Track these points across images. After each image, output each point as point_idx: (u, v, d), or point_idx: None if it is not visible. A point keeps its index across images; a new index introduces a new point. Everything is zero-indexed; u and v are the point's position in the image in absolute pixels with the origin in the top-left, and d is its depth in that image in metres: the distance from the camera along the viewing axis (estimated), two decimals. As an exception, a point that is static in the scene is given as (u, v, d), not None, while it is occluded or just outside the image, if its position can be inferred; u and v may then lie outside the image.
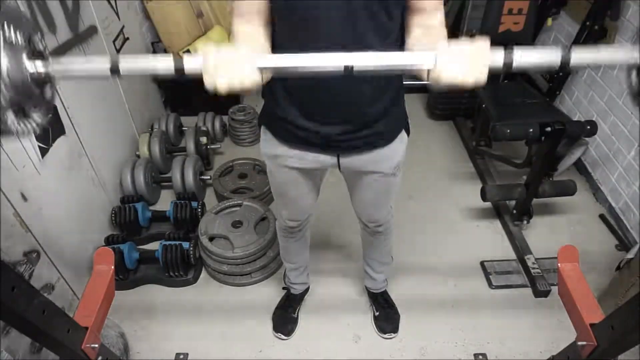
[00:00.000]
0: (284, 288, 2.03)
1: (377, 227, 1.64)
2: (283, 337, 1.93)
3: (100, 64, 0.80)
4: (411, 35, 1.12)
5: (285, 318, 1.96)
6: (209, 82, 0.81)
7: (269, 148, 1.39)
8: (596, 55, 0.81)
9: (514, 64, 0.81)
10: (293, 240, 1.76)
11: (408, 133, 1.41)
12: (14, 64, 0.69)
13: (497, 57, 0.82)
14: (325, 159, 1.33)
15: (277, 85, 1.19)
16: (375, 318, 1.96)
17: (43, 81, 0.78)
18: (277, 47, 1.12)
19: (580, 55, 0.80)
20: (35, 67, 0.74)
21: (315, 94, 1.15)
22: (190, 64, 0.80)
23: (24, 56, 0.72)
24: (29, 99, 0.74)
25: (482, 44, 0.82)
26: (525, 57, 0.81)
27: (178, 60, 0.79)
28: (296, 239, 1.76)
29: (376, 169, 1.37)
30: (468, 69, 0.81)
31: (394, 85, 1.23)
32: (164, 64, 0.79)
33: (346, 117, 1.20)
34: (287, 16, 1.06)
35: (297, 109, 1.20)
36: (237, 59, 0.81)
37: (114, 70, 0.79)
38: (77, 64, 0.82)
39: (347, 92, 1.14)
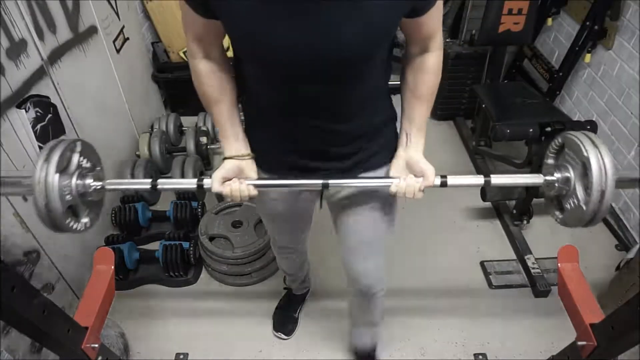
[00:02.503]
0: (285, 288, 2.03)
1: (368, 287, 1.42)
2: (283, 336, 1.92)
3: (143, 185, 1.15)
4: (405, 81, 1.11)
5: (285, 317, 1.96)
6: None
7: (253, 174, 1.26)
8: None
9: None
10: (289, 259, 1.70)
11: None
12: (81, 183, 1.00)
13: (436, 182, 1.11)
14: (308, 186, 1.17)
15: (249, 108, 1.18)
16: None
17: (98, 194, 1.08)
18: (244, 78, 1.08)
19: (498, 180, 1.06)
20: (96, 184, 1.07)
21: (285, 123, 1.09)
22: (209, 184, 1.06)
23: (90, 179, 1.05)
24: (87, 207, 1.05)
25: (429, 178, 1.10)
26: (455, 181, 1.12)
27: (200, 180, 1.07)
28: (293, 257, 1.69)
29: (366, 199, 1.24)
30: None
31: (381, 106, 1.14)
32: (189, 184, 1.08)
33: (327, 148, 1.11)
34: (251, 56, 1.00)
35: (269, 135, 1.14)
36: (238, 190, 1.05)
37: (154, 187, 1.10)
38: (125, 184, 1.22)
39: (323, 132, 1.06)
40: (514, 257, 2.28)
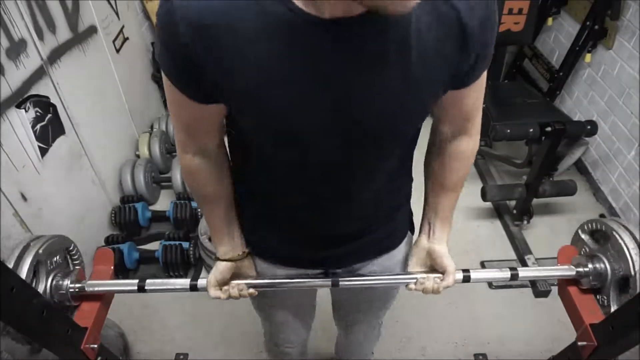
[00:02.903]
0: None
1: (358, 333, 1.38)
2: None
3: (129, 286, 1.06)
4: (430, 167, 0.96)
5: None
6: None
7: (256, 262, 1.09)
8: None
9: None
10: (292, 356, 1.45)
11: (412, 231, 1.10)
12: (57, 286, 0.97)
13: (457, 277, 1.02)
14: (316, 275, 1.07)
15: (249, 200, 0.97)
16: None
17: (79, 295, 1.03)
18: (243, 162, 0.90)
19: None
20: (75, 286, 1.01)
21: (293, 215, 0.93)
22: (204, 285, 1.00)
23: (68, 281, 1.00)
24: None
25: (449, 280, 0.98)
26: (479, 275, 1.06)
27: (193, 281, 1.02)
28: (294, 353, 1.44)
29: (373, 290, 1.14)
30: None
31: (400, 188, 0.98)
32: (182, 285, 1.03)
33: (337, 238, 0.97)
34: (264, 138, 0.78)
35: (272, 226, 0.98)
36: (238, 295, 0.99)
37: (142, 289, 1.04)
38: (108, 286, 1.08)
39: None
40: (514, 257, 2.27)
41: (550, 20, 2.87)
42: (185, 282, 1.01)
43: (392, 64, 0.67)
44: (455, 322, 1.97)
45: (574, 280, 1.03)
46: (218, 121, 0.80)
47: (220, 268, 0.97)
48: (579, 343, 1.02)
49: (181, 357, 1.84)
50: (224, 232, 0.96)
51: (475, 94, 0.81)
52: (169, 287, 1.05)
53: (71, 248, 1.04)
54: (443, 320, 1.97)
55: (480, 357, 1.83)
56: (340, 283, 0.98)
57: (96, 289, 1.01)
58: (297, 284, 1.00)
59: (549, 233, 2.39)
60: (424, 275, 0.99)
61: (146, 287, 1.01)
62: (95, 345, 1.03)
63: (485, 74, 0.78)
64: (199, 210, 2.33)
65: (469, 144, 0.91)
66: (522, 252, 2.23)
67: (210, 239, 2.12)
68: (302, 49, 0.64)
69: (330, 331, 1.60)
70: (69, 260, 1.02)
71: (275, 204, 0.92)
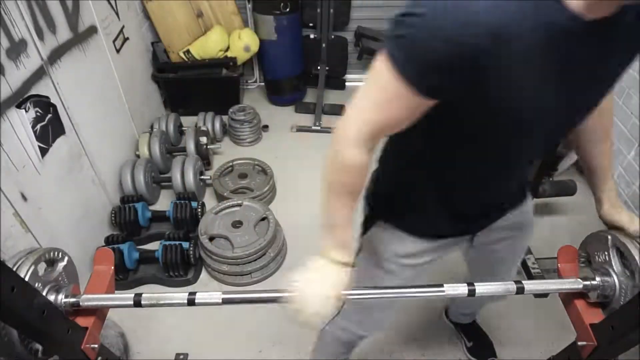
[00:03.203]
0: None
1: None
2: None
3: (125, 301, 1.03)
4: (585, 131, 1.03)
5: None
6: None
7: (396, 245, 1.11)
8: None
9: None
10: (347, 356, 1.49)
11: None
12: (53, 301, 0.94)
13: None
14: (460, 240, 1.17)
15: (424, 184, 1.01)
16: (469, 349, 1.84)
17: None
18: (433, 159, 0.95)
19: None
20: (70, 300, 0.99)
21: (474, 195, 1.00)
22: (202, 299, 0.99)
23: (62, 296, 0.98)
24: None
25: None
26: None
27: (191, 295, 1.00)
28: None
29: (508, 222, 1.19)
30: None
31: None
32: (180, 299, 1.01)
33: (496, 208, 1.10)
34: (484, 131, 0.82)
35: (444, 207, 1.03)
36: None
37: (138, 304, 1.01)
38: (103, 301, 1.05)
39: (509, 192, 1.06)
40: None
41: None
42: (183, 296, 1.00)
43: (624, 56, 0.79)
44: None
45: (581, 294, 1.03)
46: (420, 114, 0.79)
47: (345, 279, 0.93)
48: (579, 343, 1.02)
49: (181, 357, 1.84)
50: (349, 230, 0.94)
51: None
52: (166, 301, 1.03)
53: (66, 261, 1.02)
54: (443, 320, 1.97)
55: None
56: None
57: (91, 303, 1.00)
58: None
59: (549, 233, 2.39)
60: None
61: (142, 302, 1.00)
62: (96, 345, 1.03)
63: None
64: (199, 210, 2.33)
65: (609, 102, 0.99)
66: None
67: (210, 239, 2.13)
68: (571, 56, 0.70)
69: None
70: (64, 274, 1.01)
71: (460, 186, 0.97)
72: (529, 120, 0.77)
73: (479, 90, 0.70)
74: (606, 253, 0.97)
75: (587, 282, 0.98)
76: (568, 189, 2.27)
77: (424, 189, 1.01)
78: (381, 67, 0.75)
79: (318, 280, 0.92)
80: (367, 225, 1.15)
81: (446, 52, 0.65)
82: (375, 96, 0.78)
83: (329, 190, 0.93)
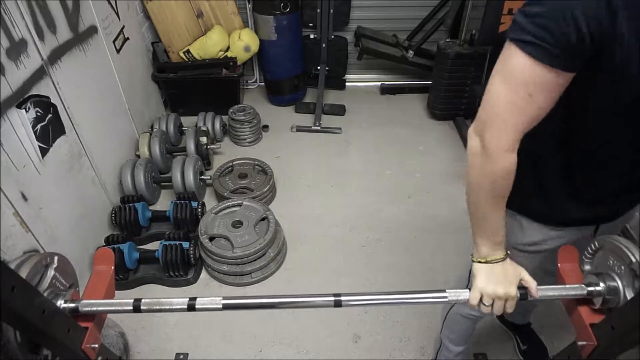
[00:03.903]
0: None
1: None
2: None
3: (124, 306, 1.02)
4: None
5: None
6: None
7: (518, 233, 1.15)
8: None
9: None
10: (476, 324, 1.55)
11: None
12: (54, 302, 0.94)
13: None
14: (584, 231, 1.15)
15: (554, 164, 1.01)
16: (523, 352, 1.83)
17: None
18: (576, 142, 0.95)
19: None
20: (68, 306, 0.99)
21: (605, 177, 1.00)
22: (202, 304, 1.01)
23: (61, 301, 0.98)
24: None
25: None
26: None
27: (192, 300, 1.02)
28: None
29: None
30: None
31: None
32: (180, 305, 1.01)
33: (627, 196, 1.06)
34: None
35: (572, 190, 1.02)
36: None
37: (137, 309, 1.00)
38: (102, 306, 1.03)
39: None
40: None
41: (550, 21, 2.87)
42: (183, 301, 1.00)
43: None
44: (455, 322, 1.97)
45: (585, 300, 1.02)
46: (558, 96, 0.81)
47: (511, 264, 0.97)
48: (579, 343, 1.02)
49: (181, 357, 1.84)
50: (503, 230, 0.96)
51: None
52: (165, 307, 1.03)
53: (56, 263, 1.01)
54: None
55: (480, 357, 1.83)
56: (343, 303, 1.00)
57: (90, 309, 1.00)
58: (301, 303, 1.05)
59: (548, 233, 2.39)
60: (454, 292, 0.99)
61: (142, 307, 0.99)
62: (96, 345, 1.03)
63: None
64: (199, 210, 2.33)
65: None
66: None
67: (210, 239, 2.13)
68: None
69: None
70: (58, 276, 1.00)
71: (591, 166, 0.97)
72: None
73: (613, 46, 0.73)
74: (611, 259, 0.96)
75: (592, 288, 0.97)
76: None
77: (554, 170, 1.01)
78: (512, 66, 0.79)
79: (503, 281, 0.95)
80: None
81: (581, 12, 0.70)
82: (516, 98, 0.80)
83: (485, 199, 0.93)
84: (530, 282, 0.96)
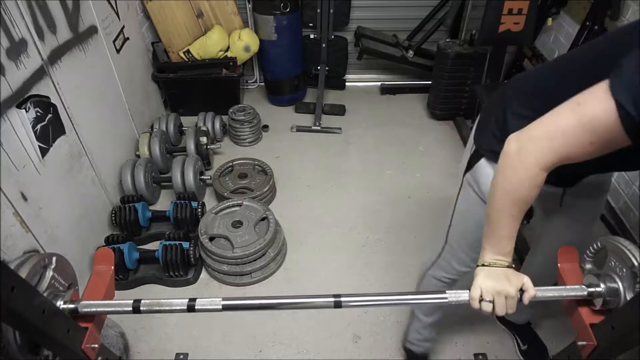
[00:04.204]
0: (405, 348, 1.83)
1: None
2: None
3: (124, 307, 1.03)
4: None
5: None
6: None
7: None
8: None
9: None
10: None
11: None
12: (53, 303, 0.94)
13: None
14: (554, 192, 1.22)
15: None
16: (524, 352, 1.83)
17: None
18: None
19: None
20: (68, 307, 0.99)
21: None
22: (202, 305, 1.00)
23: (60, 302, 0.98)
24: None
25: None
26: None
27: (191, 301, 1.02)
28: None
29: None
30: None
31: None
32: (180, 305, 1.02)
33: None
34: None
35: None
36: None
37: (137, 310, 1.02)
38: (102, 307, 1.04)
39: None
40: (514, 257, 2.27)
41: (550, 21, 2.87)
42: (182, 302, 1.01)
43: None
44: (455, 322, 1.97)
45: (585, 301, 1.02)
46: None
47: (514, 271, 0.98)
48: (579, 343, 1.02)
49: (181, 357, 1.84)
50: (513, 241, 0.99)
51: None
52: (165, 307, 1.04)
53: (54, 263, 1.01)
54: (443, 320, 1.97)
55: (480, 357, 1.83)
56: (343, 303, 1.03)
57: (90, 310, 1.00)
58: (301, 304, 1.08)
59: (548, 233, 2.39)
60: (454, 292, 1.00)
61: (141, 308, 1.00)
62: (96, 345, 1.03)
63: None
64: (199, 210, 2.33)
65: None
66: (522, 252, 2.22)
67: (210, 239, 2.13)
68: None
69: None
70: (57, 277, 1.00)
71: None
72: None
73: None
74: (612, 260, 0.96)
75: (592, 289, 0.97)
76: (568, 189, 2.27)
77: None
78: (596, 113, 0.79)
79: (503, 279, 0.96)
80: (472, 161, 1.22)
81: None
82: (578, 137, 0.82)
83: (502, 204, 0.96)
84: (530, 290, 0.96)
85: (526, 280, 0.97)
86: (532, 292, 0.96)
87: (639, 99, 0.74)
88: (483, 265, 0.99)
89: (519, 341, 1.86)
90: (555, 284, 1.08)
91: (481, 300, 0.96)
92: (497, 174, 0.95)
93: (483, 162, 1.19)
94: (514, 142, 0.91)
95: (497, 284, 0.95)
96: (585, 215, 1.33)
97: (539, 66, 1.16)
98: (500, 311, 0.96)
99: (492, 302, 0.96)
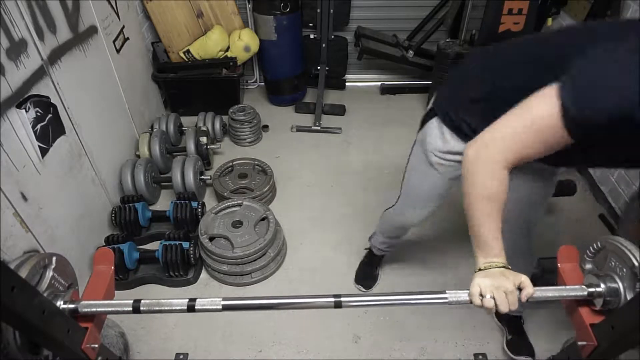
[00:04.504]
0: (366, 249, 2.14)
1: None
2: (362, 289, 2.09)
3: (124, 307, 1.04)
4: None
5: (367, 273, 2.10)
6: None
7: (442, 144, 1.32)
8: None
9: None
10: (404, 234, 1.85)
11: None
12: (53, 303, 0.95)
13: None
14: None
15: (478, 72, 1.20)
16: (508, 342, 1.86)
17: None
18: None
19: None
20: (68, 307, 1.00)
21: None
22: (202, 305, 1.03)
23: (60, 302, 0.99)
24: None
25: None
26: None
27: (191, 301, 1.04)
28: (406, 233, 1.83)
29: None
30: None
31: None
32: (179, 305, 1.03)
33: None
34: None
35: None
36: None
37: (137, 310, 1.03)
38: (101, 307, 1.05)
39: None
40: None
41: (550, 21, 2.87)
42: (182, 302, 1.01)
43: None
44: (455, 322, 1.97)
45: (585, 301, 1.02)
46: None
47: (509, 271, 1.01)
48: (579, 343, 1.02)
49: (181, 357, 1.84)
50: (499, 241, 1.03)
51: None
52: (165, 307, 1.04)
53: (54, 263, 1.01)
54: (443, 320, 1.97)
55: (480, 357, 1.83)
56: (343, 303, 1.05)
57: (90, 310, 1.00)
58: (301, 304, 1.11)
59: (548, 233, 2.39)
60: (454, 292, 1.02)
61: (141, 308, 1.01)
62: (96, 345, 1.03)
63: None
64: (199, 210, 2.33)
65: None
66: (522, 252, 2.22)
67: (210, 239, 2.13)
68: None
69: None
70: (57, 277, 1.00)
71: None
72: None
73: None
74: (613, 260, 0.96)
75: (592, 289, 0.97)
76: (568, 189, 2.27)
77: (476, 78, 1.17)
78: (543, 111, 0.90)
79: (499, 277, 0.99)
80: (424, 120, 1.37)
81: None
82: (530, 135, 0.92)
83: (477, 206, 1.03)
84: (529, 288, 0.98)
85: (524, 279, 0.98)
86: (530, 289, 0.97)
87: (583, 102, 0.84)
88: (479, 270, 1.02)
89: (506, 331, 1.88)
90: (555, 284, 1.08)
91: (482, 297, 0.97)
92: (464, 183, 1.02)
93: (433, 123, 1.32)
94: (471, 150, 1.00)
95: (494, 281, 0.97)
96: (531, 195, 1.39)
97: (503, 44, 1.21)
98: (503, 307, 0.96)
99: (494, 298, 0.96)
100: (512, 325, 1.88)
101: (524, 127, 0.92)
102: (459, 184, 1.13)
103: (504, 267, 1.01)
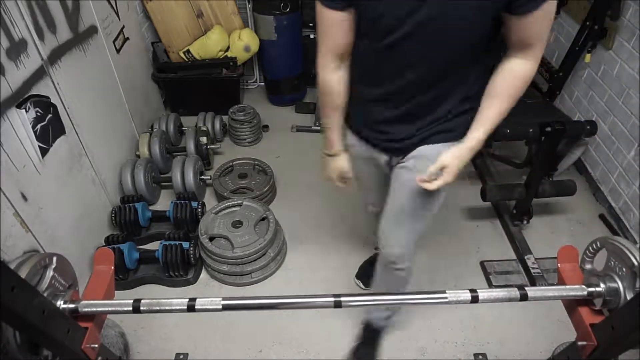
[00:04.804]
0: (376, 248, 2.09)
1: (390, 256, 1.52)
2: (361, 285, 2.10)
3: (124, 307, 1.07)
4: (493, 79, 1.16)
5: (370, 271, 1.96)
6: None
7: (345, 140, 1.49)
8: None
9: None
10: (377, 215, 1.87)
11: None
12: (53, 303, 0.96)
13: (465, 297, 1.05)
14: (380, 157, 1.43)
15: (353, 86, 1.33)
16: (352, 348, 1.83)
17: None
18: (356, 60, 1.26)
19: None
20: (68, 307, 1.01)
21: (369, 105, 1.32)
22: (202, 305, 1.06)
23: (60, 302, 0.99)
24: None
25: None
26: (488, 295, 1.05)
27: (191, 301, 1.07)
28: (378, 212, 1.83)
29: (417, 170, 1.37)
30: None
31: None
32: (179, 305, 1.06)
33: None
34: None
35: (361, 112, 1.37)
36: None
37: (137, 310, 1.06)
38: (102, 307, 1.06)
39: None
40: (514, 257, 2.27)
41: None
42: (182, 302, 1.02)
43: None
44: (455, 322, 1.97)
45: (585, 301, 1.02)
46: (351, 36, 1.18)
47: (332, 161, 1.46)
48: (579, 343, 1.02)
49: (181, 357, 1.84)
50: (337, 134, 1.38)
51: (536, 26, 1.01)
52: (165, 307, 1.05)
53: (55, 263, 1.02)
54: (443, 320, 1.97)
55: (480, 357, 1.83)
56: (343, 303, 1.07)
57: (90, 309, 1.00)
58: (301, 304, 1.13)
59: (548, 233, 2.40)
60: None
61: (141, 308, 1.02)
62: (96, 345, 1.03)
63: (550, 8, 0.97)
64: (199, 210, 2.33)
65: (522, 66, 1.11)
66: (522, 252, 2.23)
67: (210, 239, 2.13)
68: None
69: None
70: (57, 277, 1.00)
71: (360, 86, 1.29)
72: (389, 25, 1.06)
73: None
74: (612, 260, 0.96)
75: (592, 289, 0.97)
76: (568, 189, 2.27)
77: (355, 98, 1.33)
78: (318, 12, 1.14)
79: (326, 163, 1.46)
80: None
81: None
82: (321, 30, 1.18)
83: (321, 102, 1.35)
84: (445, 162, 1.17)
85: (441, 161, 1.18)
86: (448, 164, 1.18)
87: None
88: (324, 153, 1.50)
89: (360, 335, 1.85)
90: (554, 284, 1.08)
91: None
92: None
93: None
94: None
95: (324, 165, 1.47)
96: (403, 185, 1.42)
97: None
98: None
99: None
100: (367, 331, 1.85)
101: (318, 29, 1.19)
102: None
103: (335, 154, 1.47)
